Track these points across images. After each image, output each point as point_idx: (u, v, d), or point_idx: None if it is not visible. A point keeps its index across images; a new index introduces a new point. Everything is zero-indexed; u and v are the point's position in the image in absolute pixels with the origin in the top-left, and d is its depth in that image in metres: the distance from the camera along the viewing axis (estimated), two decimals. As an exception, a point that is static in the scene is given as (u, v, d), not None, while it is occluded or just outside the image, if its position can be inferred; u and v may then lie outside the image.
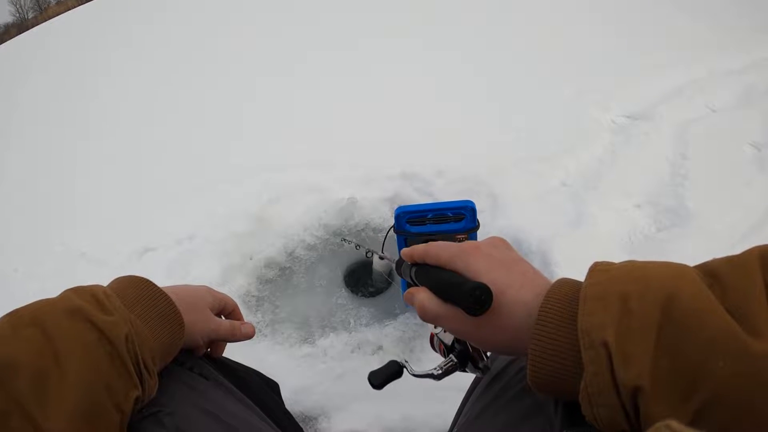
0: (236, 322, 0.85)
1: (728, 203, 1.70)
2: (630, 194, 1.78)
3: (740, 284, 0.44)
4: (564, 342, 0.49)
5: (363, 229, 1.68)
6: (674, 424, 0.32)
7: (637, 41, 3.00)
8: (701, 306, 0.43)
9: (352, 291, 1.62)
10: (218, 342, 0.84)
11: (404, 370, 0.76)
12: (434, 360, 0.87)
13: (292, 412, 1.25)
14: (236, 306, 0.90)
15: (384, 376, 0.75)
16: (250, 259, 1.62)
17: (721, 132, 2.05)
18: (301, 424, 1.25)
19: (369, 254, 1.25)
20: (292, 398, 1.28)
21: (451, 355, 0.77)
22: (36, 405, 0.50)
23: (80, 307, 0.57)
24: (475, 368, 0.76)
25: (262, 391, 0.88)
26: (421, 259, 0.67)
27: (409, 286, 0.73)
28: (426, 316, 0.63)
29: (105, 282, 0.69)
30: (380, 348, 1.41)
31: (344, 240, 1.42)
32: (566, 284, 0.52)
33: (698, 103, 2.27)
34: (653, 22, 3.25)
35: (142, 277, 0.69)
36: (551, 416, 0.57)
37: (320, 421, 1.26)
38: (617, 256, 1.53)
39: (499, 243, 0.63)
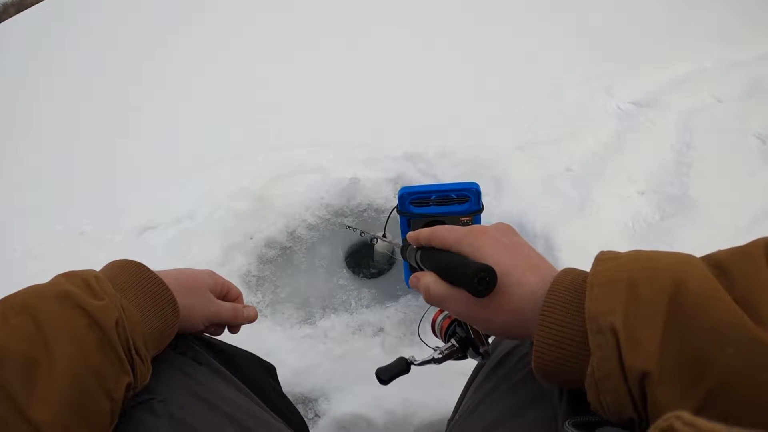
0: (239, 305, 0.84)
1: (732, 194, 1.69)
2: (634, 181, 1.77)
3: (746, 274, 0.44)
4: (570, 330, 0.49)
5: (365, 210, 1.66)
6: (685, 415, 0.31)
7: (643, 29, 2.97)
8: (708, 293, 0.43)
9: (354, 272, 1.61)
10: (220, 325, 0.83)
11: (411, 366, 0.77)
12: (433, 342, 0.87)
13: (291, 394, 1.26)
14: (240, 295, 0.89)
15: (392, 373, 0.76)
16: (251, 238, 1.61)
17: (726, 123, 2.04)
18: (300, 406, 1.26)
19: (374, 241, 1.25)
20: (292, 379, 1.28)
21: (452, 340, 0.78)
22: (23, 392, 0.49)
23: (70, 293, 0.56)
24: (476, 353, 0.77)
25: (257, 374, 0.88)
26: (426, 242, 0.67)
27: (412, 269, 0.73)
28: (431, 299, 0.63)
29: (104, 261, 0.69)
30: (381, 330, 1.41)
31: (348, 227, 1.41)
32: (572, 273, 0.53)
33: (704, 93, 2.26)
34: (659, 10, 3.22)
35: (135, 261, 0.68)
36: (555, 404, 0.57)
37: (320, 402, 1.26)
38: (620, 243, 1.54)
39: (505, 228, 0.63)
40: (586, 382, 0.47)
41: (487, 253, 0.58)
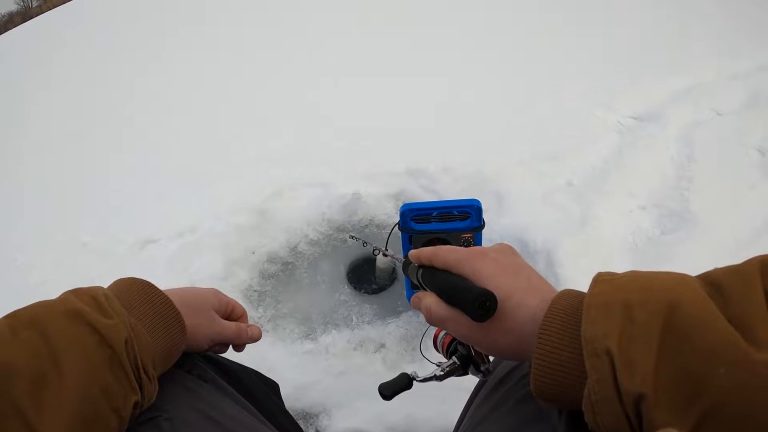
0: (242, 325, 0.83)
1: (732, 207, 1.69)
2: (635, 196, 1.77)
3: (741, 294, 0.44)
4: (567, 353, 0.49)
5: (367, 225, 1.67)
6: None
7: (643, 43, 2.98)
8: (702, 315, 0.43)
9: (355, 287, 1.61)
10: (224, 344, 0.83)
11: (413, 382, 0.77)
12: (436, 357, 0.88)
13: (293, 409, 1.25)
14: (245, 313, 0.88)
15: (394, 388, 0.76)
16: (253, 253, 1.62)
17: (726, 135, 2.04)
18: (301, 422, 1.26)
19: (376, 252, 1.25)
20: (293, 395, 1.28)
21: (453, 357, 0.78)
22: (33, 409, 0.49)
23: (80, 310, 0.56)
24: (477, 371, 0.77)
25: (260, 391, 0.88)
26: (428, 261, 0.68)
27: (413, 286, 0.74)
28: (432, 320, 0.63)
29: (105, 273, 0.69)
30: (383, 346, 1.41)
31: (351, 237, 1.42)
32: (570, 295, 0.53)
33: (704, 106, 2.26)
34: (659, 24, 3.23)
35: (143, 280, 0.68)
36: (555, 424, 0.57)
37: (321, 418, 1.26)
38: (621, 257, 1.54)
39: (505, 249, 0.64)
40: (583, 403, 0.47)
41: (488, 274, 0.58)
